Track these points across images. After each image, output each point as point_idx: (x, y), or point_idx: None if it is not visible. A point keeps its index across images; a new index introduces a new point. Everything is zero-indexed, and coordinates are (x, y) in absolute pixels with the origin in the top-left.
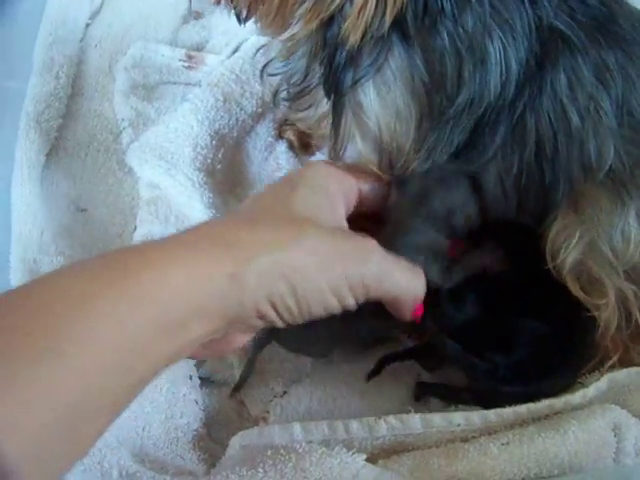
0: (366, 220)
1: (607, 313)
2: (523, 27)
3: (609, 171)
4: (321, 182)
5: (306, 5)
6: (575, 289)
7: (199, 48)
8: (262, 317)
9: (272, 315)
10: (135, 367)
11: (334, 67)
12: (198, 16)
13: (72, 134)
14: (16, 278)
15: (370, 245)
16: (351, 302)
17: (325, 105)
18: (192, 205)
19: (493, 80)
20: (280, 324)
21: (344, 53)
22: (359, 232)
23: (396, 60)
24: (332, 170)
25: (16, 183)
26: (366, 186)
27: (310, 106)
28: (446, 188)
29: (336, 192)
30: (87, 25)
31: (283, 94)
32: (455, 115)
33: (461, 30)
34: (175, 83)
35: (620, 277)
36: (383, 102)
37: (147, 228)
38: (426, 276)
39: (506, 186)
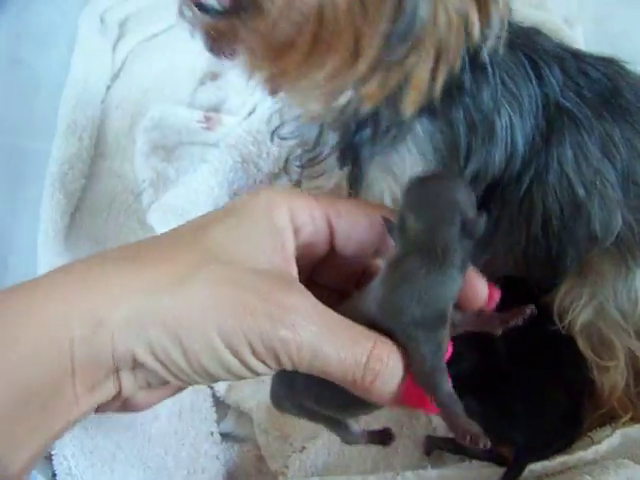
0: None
1: (616, 375)
2: (530, 104)
3: (615, 239)
4: (263, 211)
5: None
6: (586, 350)
7: (216, 109)
8: (147, 369)
9: (157, 367)
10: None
11: (354, 143)
12: (215, 77)
13: (94, 194)
14: None
15: (303, 305)
16: (260, 369)
17: (339, 174)
18: None
19: (498, 154)
20: (172, 379)
21: (367, 130)
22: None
23: (418, 132)
24: (285, 197)
25: (42, 243)
26: (347, 220)
27: (323, 174)
28: None
29: (285, 226)
30: (108, 87)
31: (296, 161)
32: None
33: (476, 104)
34: (193, 144)
35: (630, 337)
36: (402, 170)
37: None
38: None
39: (515, 256)
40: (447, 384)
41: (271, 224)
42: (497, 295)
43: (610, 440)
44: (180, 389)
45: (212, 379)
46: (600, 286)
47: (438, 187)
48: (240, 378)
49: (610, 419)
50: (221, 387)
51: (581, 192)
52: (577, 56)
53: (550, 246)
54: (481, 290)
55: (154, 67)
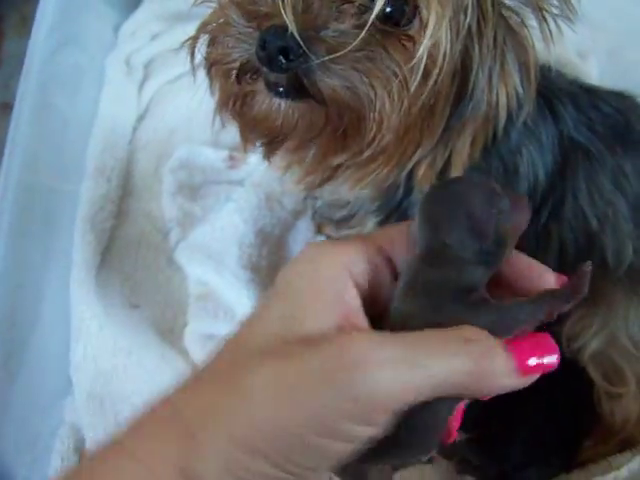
0: None
1: (628, 401)
2: (548, 140)
3: (627, 268)
4: (303, 281)
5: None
6: (596, 377)
7: (240, 148)
8: None
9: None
10: None
11: (402, 207)
12: None
13: (123, 233)
14: (77, 372)
15: (358, 348)
16: (365, 432)
17: (374, 222)
18: (240, 301)
19: (522, 191)
20: None
21: (415, 194)
22: None
23: None
24: (336, 252)
25: (74, 283)
26: (400, 244)
27: (355, 227)
28: None
29: (344, 285)
30: (134, 129)
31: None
32: None
33: (507, 148)
34: (219, 183)
35: None
36: None
37: (198, 324)
38: None
39: None
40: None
41: (333, 292)
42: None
43: (630, 466)
44: None
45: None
46: (611, 315)
47: (450, 188)
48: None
49: (630, 445)
50: None
51: (594, 223)
52: (590, 91)
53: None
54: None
55: (179, 108)
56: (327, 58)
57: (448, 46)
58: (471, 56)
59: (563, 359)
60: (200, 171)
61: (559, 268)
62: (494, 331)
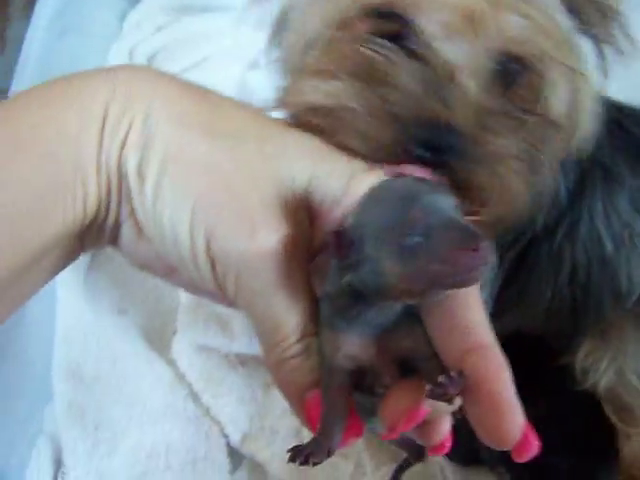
0: None
1: (637, 442)
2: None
3: (637, 299)
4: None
5: None
6: (611, 414)
7: None
8: (128, 182)
9: (134, 183)
10: (15, 235)
11: None
12: None
13: None
14: (58, 380)
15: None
16: (207, 280)
17: None
18: (231, 312)
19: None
20: (138, 205)
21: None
22: None
23: None
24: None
25: (61, 284)
26: None
27: None
28: None
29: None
30: None
31: None
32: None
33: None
34: None
35: None
36: None
37: (188, 333)
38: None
39: (536, 311)
40: None
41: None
42: (534, 447)
43: None
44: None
45: (162, 244)
46: (621, 349)
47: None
48: (179, 261)
49: None
50: (236, 437)
51: (609, 246)
52: (614, 108)
53: (575, 299)
54: (510, 425)
55: None
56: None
57: None
58: None
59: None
60: None
61: (570, 293)
62: None
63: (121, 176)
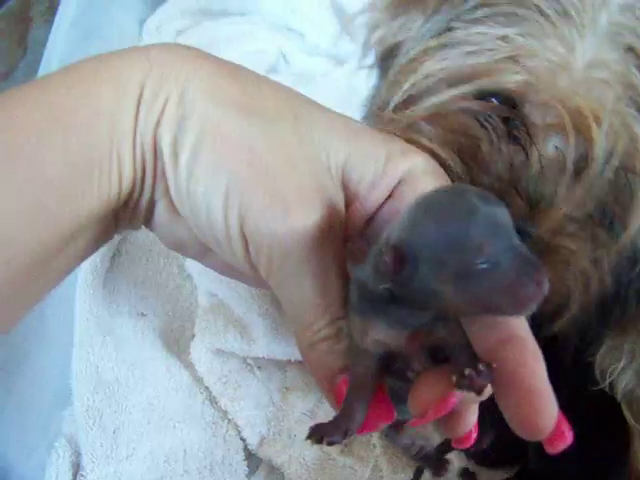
0: None
1: None
2: None
3: None
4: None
5: None
6: (629, 417)
7: None
8: (162, 160)
9: (168, 159)
10: (52, 212)
11: None
12: None
13: (134, 238)
14: (77, 382)
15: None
16: (240, 259)
17: None
18: (251, 316)
19: None
20: (172, 180)
21: None
22: None
23: None
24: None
25: (80, 288)
26: None
27: None
28: None
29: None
30: None
31: None
32: None
33: None
34: None
35: None
36: None
37: (206, 337)
38: None
39: None
40: None
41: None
42: (567, 439)
43: None
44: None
45: (196, 222)
46: (639, 349)
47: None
48: (213, 240)
49: None
50: (254, 441)
51: None
52: None
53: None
54: (544, 415)
55: None
56: None
57: None
58: None
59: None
60: None
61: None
62: None
63: (157, 153)
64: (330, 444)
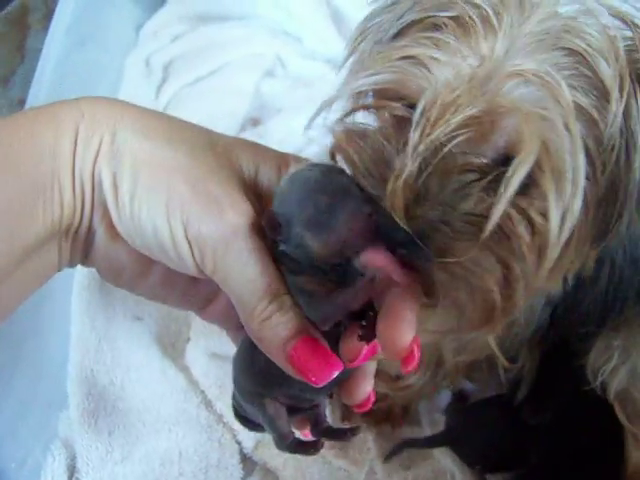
0: None
1: None
2: None
3: None
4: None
5: None
6: (622, 418)
7: None
8: (102, 190)
9: (108, 192)
10: (15, 232)
11: None
12: (256, 123)
13: None
14: (73, 386)
15: (239, 202)
16: (188, 262)
17: None
18: None
19: None
20: (114, 212)
21: None
22: None
23: None
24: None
25: (76, 291)
26: None
27: None
28: None
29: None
30: None
31: None
32: None
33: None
34: None
35: None
36: None
37: (201, 340)
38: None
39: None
40: None
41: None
42: (414, 362)
43: None
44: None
45: (144, 242)
46: (632, 346)
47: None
48: (160, 251)
49: None
50: (249, 444)
51: None
52: None
53: (607, 296)
54: (399, 339)
55: (196, 112)
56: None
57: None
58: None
59: (592, 397)
60: None
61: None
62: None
63: (94, 186)
64: None
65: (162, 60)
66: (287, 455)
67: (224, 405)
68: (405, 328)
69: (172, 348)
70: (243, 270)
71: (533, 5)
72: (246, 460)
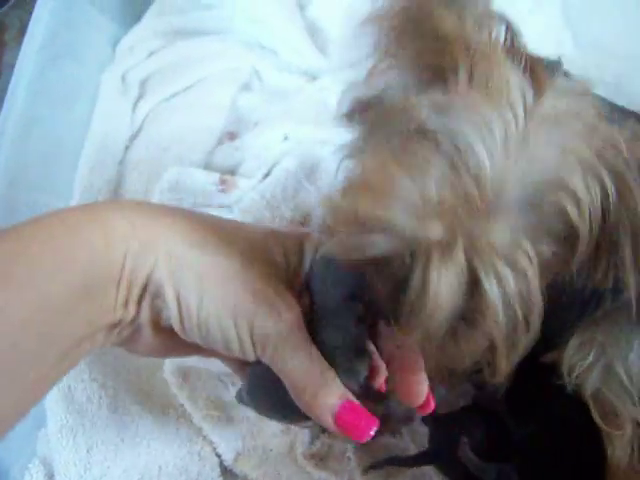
0: None
1: (621, 446)
2: None
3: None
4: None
5: None
6: (597, 418)
7: (232, 170)
8: (165, 301)
9: (172, 304)
10: (54, 331)
11: None
12: (232, 137)
13: None
14: (51, 402)
15: (288, 300)
16: (249, 355)
17: None
18: None
19: None
20: (176, 323)
21: None
22: None
23: None
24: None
25: None
26: None
27: None
28: None
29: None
30: (126, 148)
31: None
32: None
33: None
34: (209, 206)
35: (637, 407)
36: None
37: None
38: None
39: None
40: None
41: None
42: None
43: None
44: (178, 353)
45: (207, 340)
46: (611, 341)
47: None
48: (224, 348)
49: None
50: (229, 456)
51: None
52: None
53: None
54: (416, 392)
55: (172, 127)
56: None
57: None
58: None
59: (569, 397)
60: (190, 194)
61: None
62: None
63: (145, 293)
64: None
65: (139, 76)
66: (267, 467)
67: (202, 418)
68: (419, 380)
69: (151, 362)
70: (297, 357)
71: None
72: (226, 472)
